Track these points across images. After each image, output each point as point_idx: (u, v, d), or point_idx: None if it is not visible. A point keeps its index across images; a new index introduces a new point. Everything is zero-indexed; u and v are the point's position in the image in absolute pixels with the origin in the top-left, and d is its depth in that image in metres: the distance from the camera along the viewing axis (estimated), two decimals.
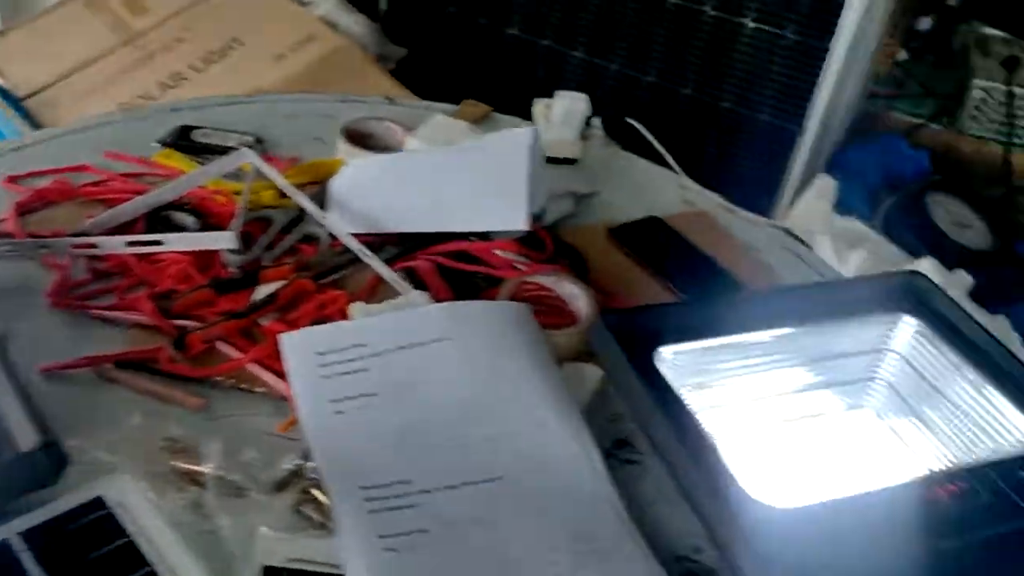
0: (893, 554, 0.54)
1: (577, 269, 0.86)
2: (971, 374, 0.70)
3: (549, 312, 0.81)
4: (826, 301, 0.76)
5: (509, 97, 1.14)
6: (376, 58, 1.92)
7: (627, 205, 0.98)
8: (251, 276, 0.77)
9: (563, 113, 1.00)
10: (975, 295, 1.65)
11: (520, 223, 0.81)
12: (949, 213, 1.90)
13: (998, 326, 1.58)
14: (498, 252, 0.82)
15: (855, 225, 1.72)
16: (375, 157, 0.88)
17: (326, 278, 0.78)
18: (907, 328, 0.75)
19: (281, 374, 0.69)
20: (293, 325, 0.73)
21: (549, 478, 0.63)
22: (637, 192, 1.01)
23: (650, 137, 1.03)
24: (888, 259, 1.66)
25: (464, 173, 0.85)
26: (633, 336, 0.68)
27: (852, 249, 1.65)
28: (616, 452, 0.70)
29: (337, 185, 0.87)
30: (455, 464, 0.62)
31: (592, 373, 0.73)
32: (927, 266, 1.59)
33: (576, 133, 1.02)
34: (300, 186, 0.84)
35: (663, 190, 1.02)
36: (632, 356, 0.66)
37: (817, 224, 1.68)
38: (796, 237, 1.68)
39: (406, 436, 0.63)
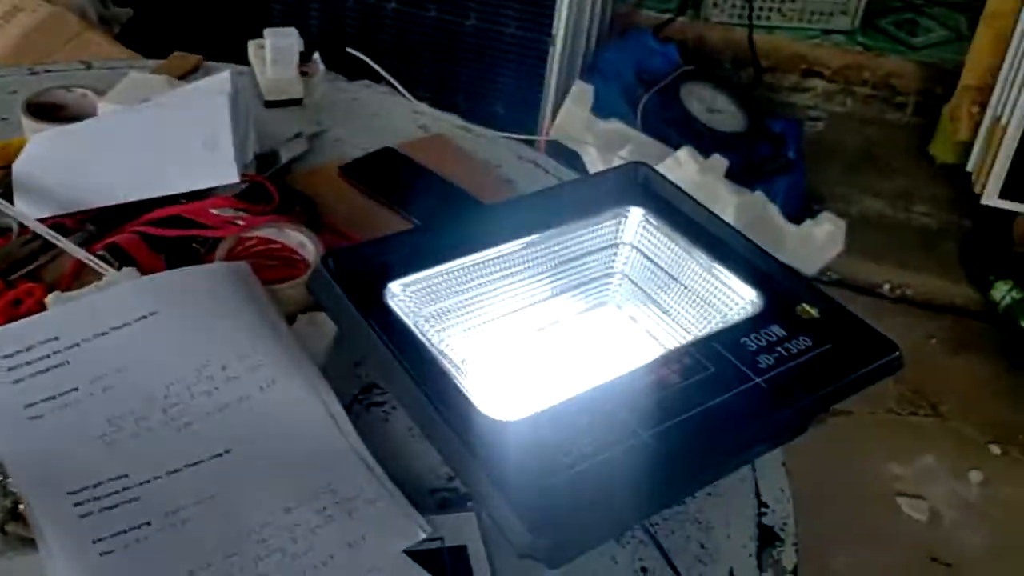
0: (623, 442, 0.54)
1: (309, 215, 0.81)
2: (696, 253, 0.71)
3: (283, 265, 0.76)
4: (558, 205, 0.75)
5: (242, 44, 1.05)
6: (97, 22, 1.76)
7: (360, 139, 0.94)
8: None
9: (274, 51, 0.93)
10: (733, 175, 1.73)
11: (231, 175, 0.75)
12: (703, 101, 1.97)
13: (755, 202, 1.67)
14: (214, 211, 0.76)
15: (616, 127, 1.75)
16: (61, 128, 0.79)
17: (17, 272, 0.70)
18: (635, 219, 0.75)
19: None
20: None
21: (283, 440, 0.60)
22: (370, 124, 0.97)
23: (374, 64, 0.99)
24: (650, 155, 1.71)
25: (163, 132, 0.78)
26: (359, 276, 0.64)
27: (616, 151, 1.68)
28: (363, 398, 0.67)
29: (21, 166, 0.77)
30: (176, 447, 0.58)
31: (328, 321, 0.69)
32: (685, 155, 1.65)
33: (293, 71, 0.96)
34: None
35: (396, 119, 0.98)
36: (358, 297, 0.62)
37: (579, 132, 1.70)
38: (566, 149, 1.71)
39: (118, 428, 0.58)
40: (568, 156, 1.73)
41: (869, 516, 1.45)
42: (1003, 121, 1.75)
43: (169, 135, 0.77)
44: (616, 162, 1.67)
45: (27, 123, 0.84)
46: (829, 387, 0.59)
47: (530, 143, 0.96)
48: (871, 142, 2.35)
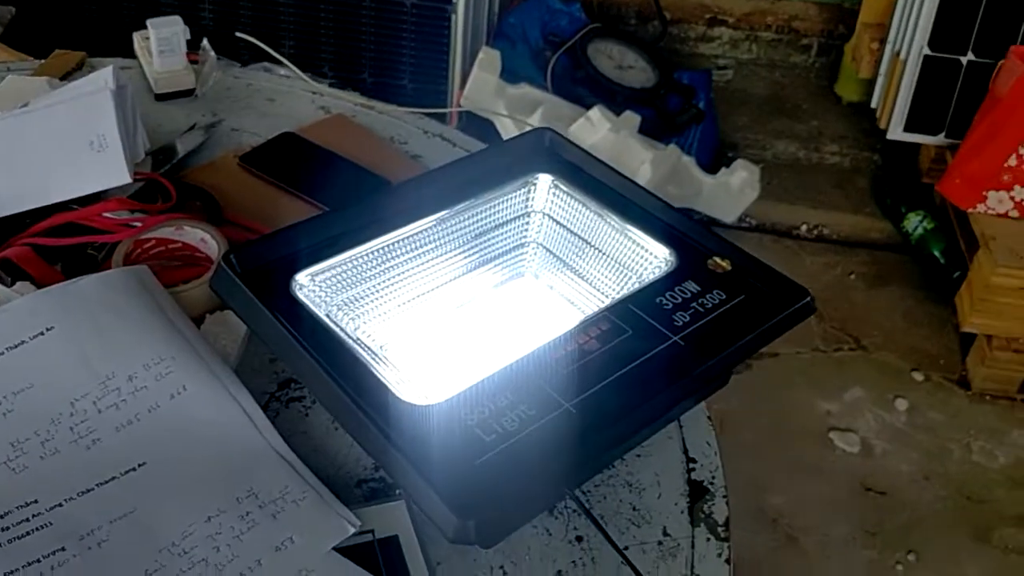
0: (545, 415, 0.53)
1: (209, 210, 0.79)
2: (607, 215, 0.71)
3: (186, 265, 0.74)
4: (466, 178, 0.74)
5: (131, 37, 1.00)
6: None
7: (258, 127, 0.91)
8: None
9: (159, 42, 0.90)
10: (647, 130, 1.73)
11: (122, 176, 0.72)
12: (611, 58, 1.96)
13: (669, 155, 1.67)
14: (108, 214, 0.73)
15: (527, 91, 1.74)
16: None
17: None
18: (544, 185, 0.75)
19: None
20: None
21: (200, 447, 0.58)
22: (267, 110, 0.94)
23: (265, 47, 0.95)
24: (563, 116, 1.70)
25: (47, 137, 0.74)
26: (264, 270, 0.62)
27: (529, 115, 1.67)
28: (280, 394, 0.65)
29: None
30: (86, 466, 0.55)
31: (237, 320, 0.67)
32: (597, 115, 1.64)
33: (182, 60, 0.92)
34: None
35: (295, 102, 0.95)
36: (264, 293, 0.60)
37: (490, 99, 1.68)
38: (479, 118, 1.69)
39: (22, 452, 0.55)
40: (481, 124, 1.71)
41: (803, 453, 1.49)
42: (901, 56, 1.79)
43: (53, 140, 0.73)
44: (529, 127, 1.66)
45: None
46: (745, 338, 0.60)
47: (440, 116, 0.94)
48: (779, 86, 2.38)
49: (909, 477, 1.47)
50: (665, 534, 0.58)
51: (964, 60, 1.72)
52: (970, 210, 1.61)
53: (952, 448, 1.52)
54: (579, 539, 0.58)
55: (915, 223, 1.88)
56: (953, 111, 1.76)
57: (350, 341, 0.59)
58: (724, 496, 0.61)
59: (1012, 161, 1.52)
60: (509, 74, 1.76)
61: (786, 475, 1.45)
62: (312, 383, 0.57)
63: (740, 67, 2.42)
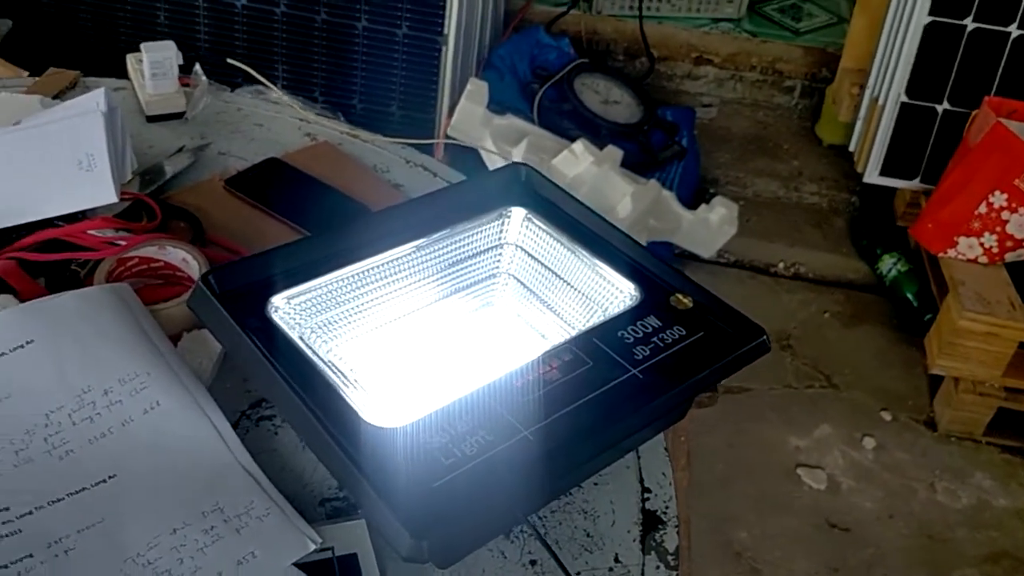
0: (504, 441, 0.55)
1: (193, 231, 0.81)
2: (578, 250, 0.73)
3: (167, 284, 0.76)
4: (443, 209, 0.76)
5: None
6: None
7: (245, 151, 0.93)
8: None
9: (152, 65, 0.92)
10: (629, 164, 1.76)
11: (108, 196, 0.74)
12: (597, 93, 2.00)
13: (650, 190, 1.71)
14: (93, 232, 0.75)
15: (513, 122, 1.77)
16: None
17: None
18: (517, 218, 0.77)
19: None
20: None
21: (170, 461, 0.60)
22: (254, 135, 0.96)
23: (257, 75, 0.98)
24: (547, 148, 1.73)
25: (36, 154, 0.76)
26: (241, 292, 0.65)
27: (513, 147, 1.70)
28: (251, 412, 0.67)
29: None
30: (58, 476, 0.57)
31: (213, 339, 0.69)
32: (580, 148, 1.68)
33: (174, 84, 0.95)
34: None
35: (282, 128, 0.98)
36: (239, 314, 0.62)
37: (476, 129, 1.71)
38: (465, 147, 1.72)
39: None
40: (466, 154, 1.74)
41: (771, 488, 1.51)
42: (880, 102, 1.83)
43: (43, 157, 0.75)
44: (514, 158, 1.69)
45: None
46: (700, 374, 0.62)
47: (424, 146, 0.97)
48: (761, 126, 2.43)
49: (874, 515, 1.49)
50: (616, 561, 0.61)
51: (940, 108, 1.77)
52: (941, 255, 1.65)
53: (917, 488, 1.54)
54: (533, 563, 0.60)
55: (889, 265, 1.92)
56: (928, 157, 1.80)
57: (321, 363, 0.61)
58: (676, 526, 0.64)
59: (982, 208, 1.56)
60: (497, 105, 1.80)
61: (753, 509, 1.47)
62: (280, 402, 0.59)
63: (724, 105, 2.47)
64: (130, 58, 0.99)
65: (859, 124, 1.92)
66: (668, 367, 0.63)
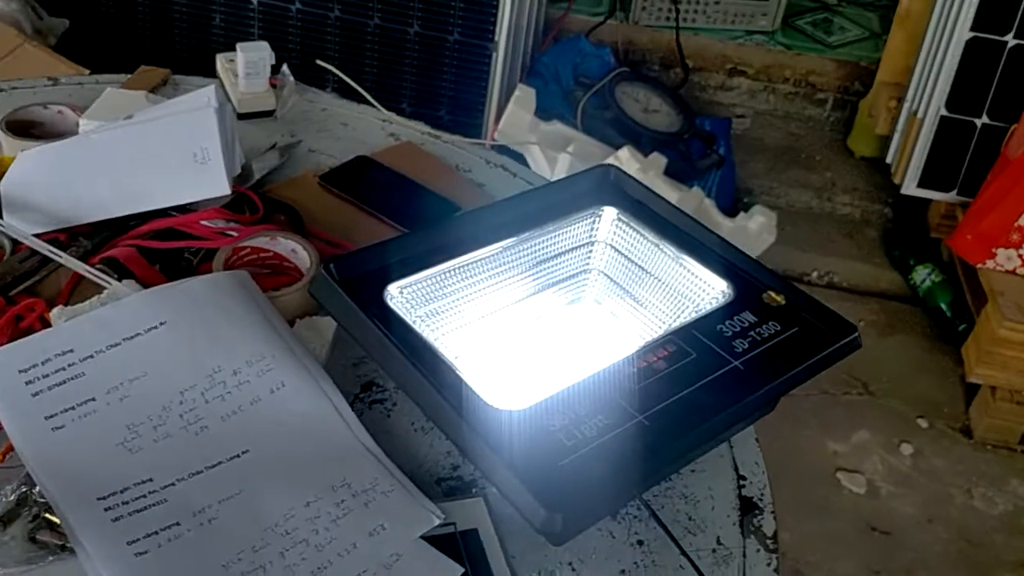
0: (620, 424, 0.59)
1: (293, 223, 0.84)
2: (667, 248, 0.77)
3: (275, 273, 0.79)
4: (535, 208, 0.80)
5: (190, 56, 1.07)
6: (33, 34, 1.74)
7: (332, 149, 0.97)
8: None
9: (247, 65, 0.96)
10: (670, 172, 1.80)
11: (222, 188, 0.78)
12: (638, 102, 2.04)
13: (692, 197, 1.74)
14: (205, 223, 0.79)
15: (559, 128, 1.80)
16: (48, 146, 0.80)
17: (16, 288, 0.72)
18: (608, 217, 0.81)
19: None
20: None
21: (297, 439, 0.63)
22: (340, 134, 1.00)
23: (343, 76, 1.02)
24: (593, 154, 1.77)
25: (153, 147, 0.80)
26: (359, 280, 0.68)
27: (560, 152, 1.74)
28: (363, 395, 0.71)
29: (9, 183, 0.78)
30: (195, 450, 0.60)
31: (327, 324, 0.73)
32: (626, 154, 1.71)
33: (265, 83, 0.98)
34: None
35: (366, 127, 1.02)
36: (360, 300, 0.66)
37: (524, 134, 1.74)
38: (510, 150, 1.75)
39: (137, 435, 0.60)
40: (513, 157, 1.77)
41: (811, 492, 1.54)
42: (919, 115, 1.86)
43: (159, 150, 0.79)
44: (560, 162, 1.72)
45: (7, 140, 0.85)
46: (801, 366, 0.65)
47: (501, 148, 1.00)
48: (794, 137, 2.46)
49: (913, 519, 1.52)
50: (719, 543, 0.64)
51: (979, 122, 1.80)
52: (979, 265, 1.68)
53: (954, 494, 1.57)
54: (640, 543, 0.63)
55: (923, 275, 1.95)
56: (966, 170, 1.84)
57: (440, 349, 0.64)
58: (772, 512, 0.67)
59: (1022, 221, 1.59)
60: (540, 111, 1.83)
61: (795, 512, 1.50)
62: (408, 384, 0.62)
63: (757, 116, 2.50)
64: (220, 57, 1.03)
65: (897, 136, 1.96)
66: (768, 360, 0.66)
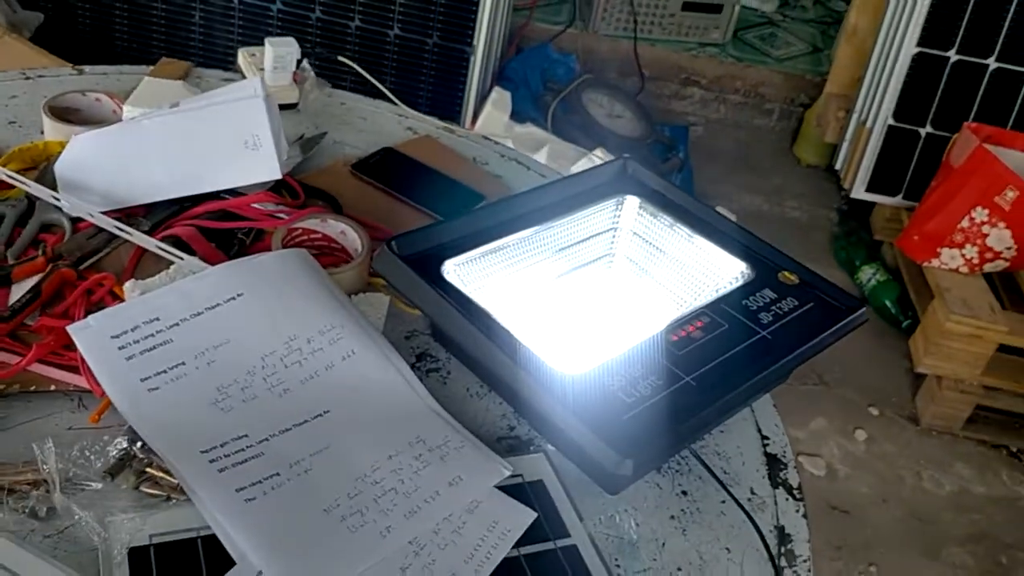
0: (671, 384, 0.66)
1: (333, 208, 0.89)
2: (685, 232, 0.84)
3: (322, 253, 0.84)
4: (563, 196, 0.86)
5: (168, 53, 1.10)
6: (8, 28, 1.73)
7: (356, 141, 1.02)
8: (1, 278, 0.72)
9: (275, 59, 1.00)
10: None
11: (274, 172, 0.82)
12: (602, 107, 2.12)
13: None
14: (256, 205, 0.83)
15: (532, 130, 1.87)
16: (102, 130, 0.84)
17: (85, 263, 0.75)
18: (631, 205, 0.88)
19: (69, 367, 0.66)
20: (64, 317, 0.70)
21: (371, 400, 0.68)
22: (362, 127, 1.05)
23: (365, 74, 1.07)
24: (565, 156, 1.84)
25: (204, 133, 0.83)
26: (416, 257, 0.74)
27: (535, 152, 1.80)
28: (419, 365, 0.76)
29: (64, 166, 0.82)
30: (282, 409, 0.65)
31: (380, 300, 0.78)
32: (599, 156, 1.79)
33: (290, 78, 1.03)
34: (18, 174, 0.79)
35: (384, 122, 1.07)
36: (423, 274, 0.71)
37: (499, 134, 1.81)
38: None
39: (227, 396, 0.65)
40: None
41: None
42: (867, 125, 1.99)
43: (210, 136, 0.83)
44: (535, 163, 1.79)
45: (51, 125, 0.88)
46: (820, 335, 0.73)
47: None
48: (743, 145, 2.58)
49: (869, 499, 1.62)
50: (753, 493, 0.71)
51: (923, 131, 1.94)
52: (925, 264, 1.81)
53: (905, 476, 1.69)
54: (684, 493, 0.70)
55: (869, 275, 2.08)
56: (911, 176, 1.97)
57: (496, 317, 0.70)
58: (795, 467, 0.74)
59: (964, 223, 1.72)
60: (512, 114, 1.90)
61: None
62: (477, 350, 0.68)
63: (709, 124, 2.62)
64: (242, 52, 1.07)
65: (846, 144, 2.08)
66: (792, 330, 0.74)
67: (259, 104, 0.83)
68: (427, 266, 0.74)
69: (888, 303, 2.02)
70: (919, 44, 1.86)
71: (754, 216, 2.32)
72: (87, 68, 1.05)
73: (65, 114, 0.91)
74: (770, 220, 2.32)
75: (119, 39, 1.84)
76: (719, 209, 1.96)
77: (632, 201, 0.88)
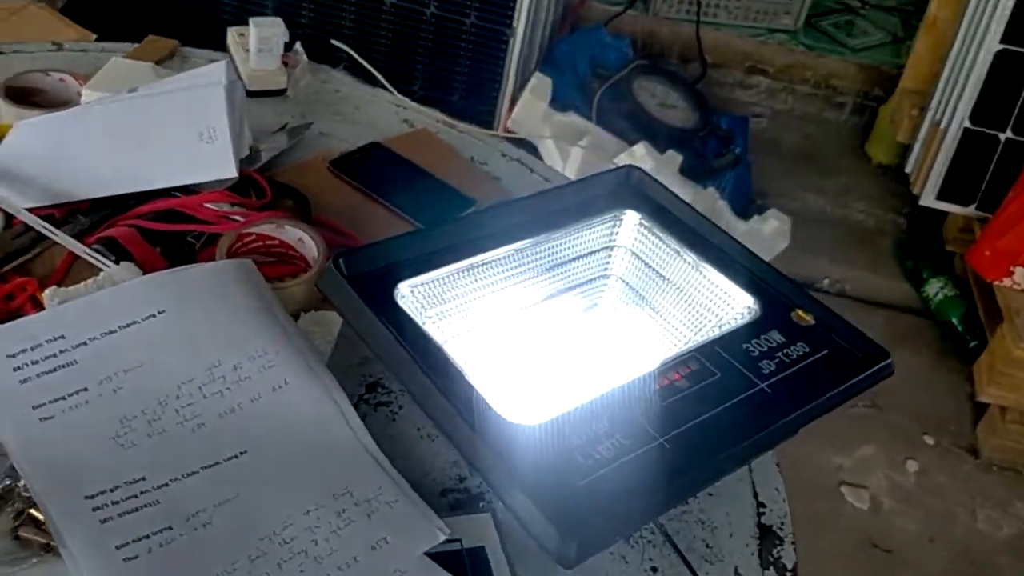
0: (640, 446, 0.55)
1: (301, 210, 0.81)
2: (691, 257, 0.73)
3: (279, 262, 0.76)
4: (554, 208, 0.76)
5: (199, 26, 1.03)
6: None
7: (345, 133, 0.93)
8: None
9: (259, 41, 0.92)
10: (684, 170, 1.76)
11: (229, 170, 0.74)
12: (655, 96, 2.00)
13: (707, 198, 1.70)
14: (209, 205, 0.75)
15: (574, 119, 1.77)
16: (48, 116, 0.77)
17: (8, 265, 0.68)
18: (630, 222, 0.77)
19: None
20: None
21: (298, 440, 0.60)
22: (354, 117, 0.96)
23: (359, 58, 0.98)
24: (607, 148, 1.73)
25: (157, 122, 0.76)
26: (368, 276, 0.65)
27: (573, 145, 1.70)
28: (368, 397, 0.67)
29: (4, 153, 0.75)
30: (191, 449, 0.57)
31: (334, 319, 0.70)
32: (641, 151, 1.67)
33: (277, 61, 0.94)
34: None
35: (379, 112, 0.98)
36: (369, 297, 0.62)
37: (537, 124, 1.71)
38: (522, 140, 1.71)
39: (130, 429, 0.57)
40: (523, 147, 1.74)
41: (815, 505, 1.51)
42: (942, 126, 1.83)
43: (164, 126, 0.75)
44: (573, 156, 1.69)
45: (6, 108, 0.81)
46: (828, 393, 0.62)
47: (519, 141, 0.97)
48: (811, 140, 2.42)
49: (916, 537, 1.49)
50: (737, 573, 0.61)
51: (1003, 136, 1.76)
52: (996, 283, 1.65)
53: (958, 513, 1.54)
54: (654, 569, 0.60)
55: (936, 288, 1.92)
56: (987, 185, 1.80)
57: (451, 355, 0.61)
58: (792, 543, 0.63)
59: None
60: (555, 101, 1.79)
61: (796, 524, 1.47)
62: (417, 392, 0.59)
63: (774, 116, 2.46)
64: (231, 31, 0.99)
65: (918, 146, 1.92)
66: (796, 384, 0.63)
67: (219, 92, 0.76)
68: (379, 288, 0.64)
69: (955, 321, 1.86)
70: (1002, 40, 1.68)
71: (815, 218, 2.17)
72: (67, 44, 0.98)
73: (27, 95, 0.85)
74: (833, 223, 2.17)
75: (150, 10, 1.79)
76: (772, 211, 1.83)
77: (632, 216, 0.77)
